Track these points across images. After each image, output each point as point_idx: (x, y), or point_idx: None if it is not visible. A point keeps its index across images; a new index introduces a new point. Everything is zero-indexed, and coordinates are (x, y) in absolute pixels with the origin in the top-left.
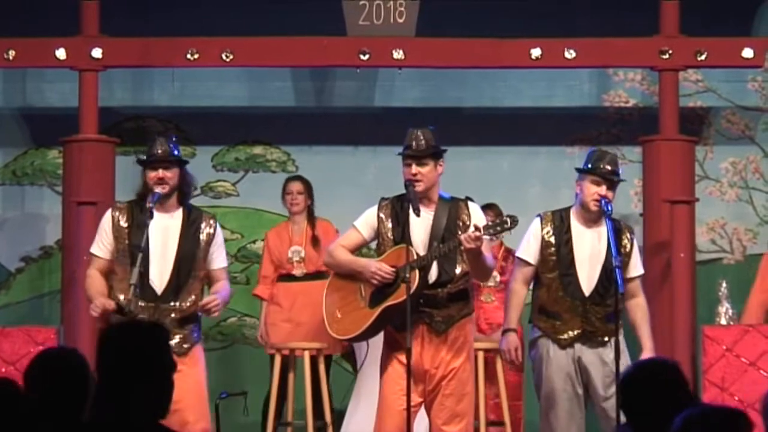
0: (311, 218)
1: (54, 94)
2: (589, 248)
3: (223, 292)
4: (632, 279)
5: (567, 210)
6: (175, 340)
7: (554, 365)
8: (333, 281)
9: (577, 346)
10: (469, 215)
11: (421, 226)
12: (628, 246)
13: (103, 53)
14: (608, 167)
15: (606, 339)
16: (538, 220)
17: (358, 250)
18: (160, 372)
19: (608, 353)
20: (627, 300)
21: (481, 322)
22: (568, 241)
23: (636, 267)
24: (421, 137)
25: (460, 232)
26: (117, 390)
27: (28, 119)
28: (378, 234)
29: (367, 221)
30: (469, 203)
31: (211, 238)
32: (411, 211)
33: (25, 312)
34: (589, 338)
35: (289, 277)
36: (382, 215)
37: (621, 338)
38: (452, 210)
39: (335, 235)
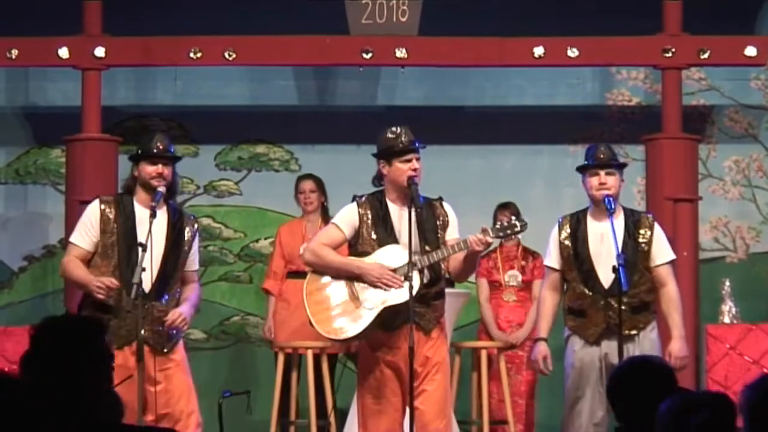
0: (325, 216)
1: (57, 93)
2: (605, 242)
3: (193, 296)
4: (659, 266)
5: (584, 210)
6: (160, 339)
7: (580, 362)
8: (314, 279)
9: (604, 342)
10: (446, 214)
11: (404, 225)
12: (648, 234)
13: (105, 52)
14: (601, 155)
15: (633, 332)
16: (556, 225)
17: (337, 248)
18: (98, 366)
19: (634, 349)
20: (657, 289)
21: (501, 321)
22: (584, 239)
23: (660, 254)
24: (408, 134)
25: (439, 231)
26: (49, 386)
27: (31, 118)
28: (357, 233)
29: (349, 220)
30: (443, 203)
31: (192, 239)
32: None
33: (28, 311)
34: (615, 332)
35: (301, 274)
36: (362, 213)
37: (654, 333)
38: (430, 210)
39: None
